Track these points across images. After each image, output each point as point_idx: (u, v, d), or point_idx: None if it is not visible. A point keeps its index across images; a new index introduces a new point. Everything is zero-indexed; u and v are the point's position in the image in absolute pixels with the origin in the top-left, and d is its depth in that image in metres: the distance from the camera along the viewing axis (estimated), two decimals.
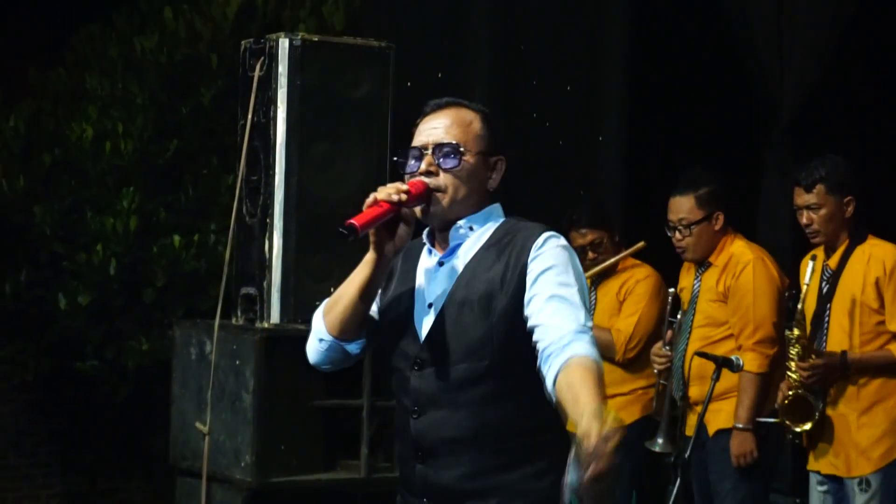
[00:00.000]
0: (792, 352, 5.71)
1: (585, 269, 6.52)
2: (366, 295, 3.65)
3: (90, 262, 7.55)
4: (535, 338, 3.47)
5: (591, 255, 6.63)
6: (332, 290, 6.50)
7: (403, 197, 3.55)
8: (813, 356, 5.64)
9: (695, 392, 5.97)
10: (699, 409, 5.74)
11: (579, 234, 6.65)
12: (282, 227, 6.46)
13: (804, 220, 5.72)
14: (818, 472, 5.79)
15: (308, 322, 6.18)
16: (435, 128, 3.63)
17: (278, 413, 6.44)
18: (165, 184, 7.80)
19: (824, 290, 5.75)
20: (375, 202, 3.55)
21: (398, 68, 6.65)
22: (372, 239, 3.59)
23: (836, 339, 5.68)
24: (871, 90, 7.76)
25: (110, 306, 7.69)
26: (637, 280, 6.67)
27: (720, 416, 6.00)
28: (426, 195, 3.59)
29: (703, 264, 6.11)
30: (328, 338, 3.71)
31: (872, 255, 5.65)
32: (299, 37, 6.48)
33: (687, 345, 6.06)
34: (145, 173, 7.71)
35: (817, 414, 5.66)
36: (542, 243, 3.56)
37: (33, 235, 7.73)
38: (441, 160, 3.59)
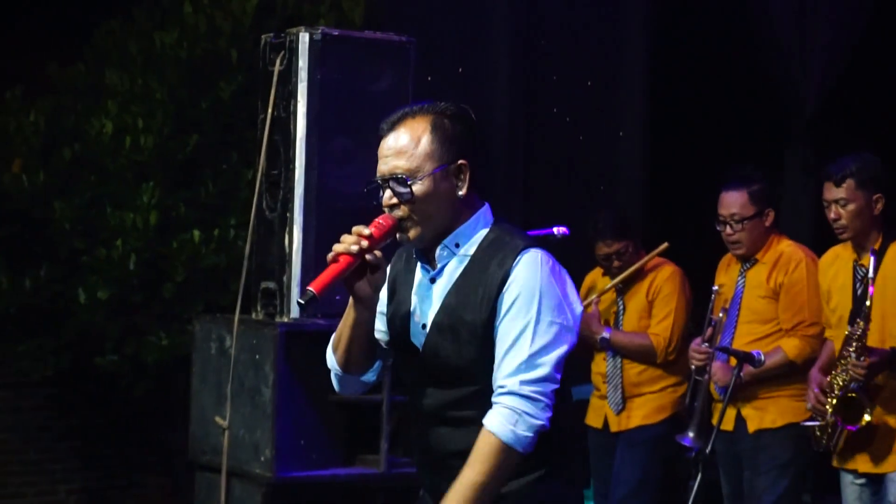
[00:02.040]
0: (850, 349, 5.62)
1: (612, 276, 6.56)
2: (359, 334, 3.68)
3: (110, 258, 7.54)
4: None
5: (616, 263, 6.62)
6: None
7: (365, 244, 3.54)
8: (865, 355, 5.57)
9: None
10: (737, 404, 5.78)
11: (605, 244, 6.62)
12: (301, 221, 6.45)
13: (832, 215, 5.66)
14: (853, 471, 5.70)
15: (327, 316, 6.25)
16: (386, 155, 3.60)
17: (298, 408, 6.43)
18: (185, 179, 7.79)
19: (859, 290, 5.68)
20: (335, 258, 3.56)
21: (418, 63, 6.64)
22: (346, 287, 3.61)
23: (875, 339, 5.61)
24: (893, 87, 7.70)
25: (130, 301, 7.69)
26: (663, 279, 6.64)
27: (764, 416, 6.01)
28: (395, 228, 3.60)
29: (748, 260, 6.14)
30: (341, 373, 3.77)
31: None
32: (319, 31, 6.46)
33: (732, 340, 6.05)
34: (165, 168, 7.70)
35: (869, 409, 5.57)
36: (515, 265, 3.58)
37: (53, 231, 7.73)
38: (397, 193, 3.58)
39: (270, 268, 6.58)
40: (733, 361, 5.85)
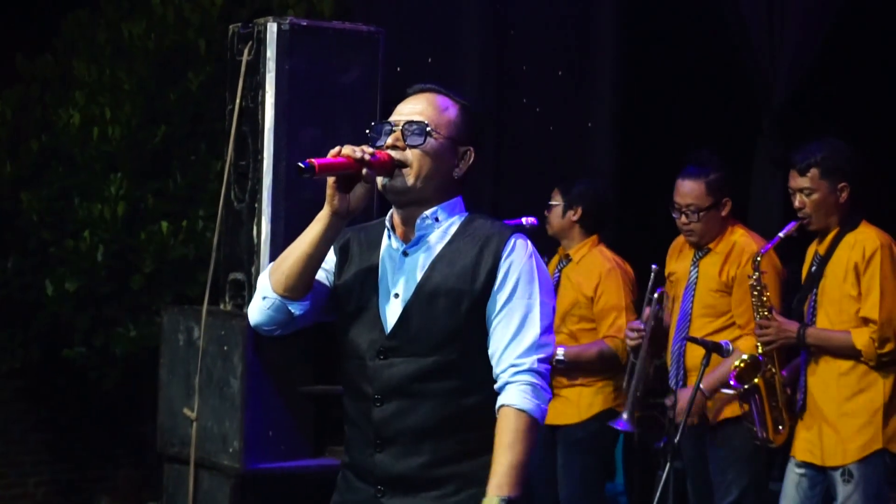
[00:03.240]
0: (756, 318, 5.71)
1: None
2: (315, 252, 3.66)
3: (78, 249, 7.52)
4: (490, 342, 3.66)
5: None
6: None
7: (367, 157, 3.59)
8: (769, 314, 5.63)
9: (693, 380, 5.92)
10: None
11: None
12: (270, 212, 6.42)
13: (797, 204, 5.65)
14: (795, 458, 5.75)
15: None
16: (411, 107, 3.72)
17: (266, 399, 6.41)
18: (153, 170, 7.76)
19: (813, 272, 5.71)
20: (339, 154, 3.62)
21: (388, 53, 6.62)
22: (329, 192, 3.65)
23: (820, 325, 5.64)
24: (862, 79, 7.73)
25: (98, 293, 7.66)
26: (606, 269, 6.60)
27: (724, 407, 5.98)
28: (390, 168, 3.64)
29: (701, 249, 6.09)
30: (272, 295, 3.71)
31: (857, 240, 5.58)
32: (288, 21, 6.44)
33: (687, 333, 6.03)
34: (133, 159, 7.67)
35: (759, 374, 5.64)
36: (511, 247, 3.69)
37: (21, 222, 7.71)
38: (408, 137, 3.66)
39: (239, 259, 6.56)
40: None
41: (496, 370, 3.65)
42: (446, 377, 3.63)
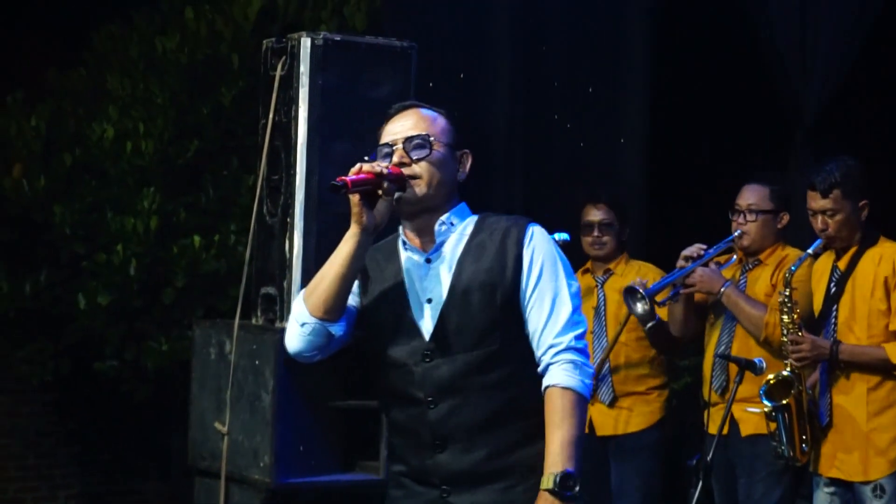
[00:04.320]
0: (784, 339, 5.72)
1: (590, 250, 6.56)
2: (349, 271, 3.78)
3: (110, 263, 7.54)
4: (527, 327, 3.82)
5: (596, 233, 6.61)
6: None
7: (385, 171, 3.75)
8: (801, 333, 5.64)
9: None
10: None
11: (595, 207, 6.64)
12: (302, 227, 6.42)
13: (819, 225, 5.70)
14: (822, 476, 5.73)
15: None
16: (401, 125, 3.88)
17: (297, 413, 6.40)
18: (185, 184, 7.79)
19: (832, 290, 5.72)
20: (360, 171, 3.77)
21: (420, 68, 6.63)
22: (355, 210, 3.75)
23: (846, 342, 5.64)
24: (893, 95, 7.71)
25: (130, 307, 7.68)
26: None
27: (758, 420, 5.97)
28: (403, 181, 3.79)
29: (752, 259, 6.14)
30: (311, 320, 3.81)
31: (884, 255, 5.62)
32: (321, 36, 6.44)
33: (731, 344, 6.04)
34: (165, 174, 7.70)
35: (792, 392, 5.64)
36: (531, 234, 3.85)
37: (53, 235, 7.72)
38: (412, 151, 3.82)
39: (270, 273, 6.56)
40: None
41: (537, 354, 3.80)
42: (491, 369, 3.77)
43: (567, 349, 3.78)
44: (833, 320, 5.68)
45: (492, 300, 3.77)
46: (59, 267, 7.79)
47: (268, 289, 6.58)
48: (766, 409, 5.73)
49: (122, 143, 7.63)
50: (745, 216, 6.10)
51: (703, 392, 6.19)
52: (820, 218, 5.68)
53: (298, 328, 3.84)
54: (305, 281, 6.40)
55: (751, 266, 6.15)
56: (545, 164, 7.55)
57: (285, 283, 6.46)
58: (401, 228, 3.92)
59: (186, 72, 7.74)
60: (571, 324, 3.81)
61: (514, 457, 3.78)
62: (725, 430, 5.90)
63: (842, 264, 5.71)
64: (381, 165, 3.76)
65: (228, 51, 7.75)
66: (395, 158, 3.80)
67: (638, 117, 7.89)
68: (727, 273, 6.18)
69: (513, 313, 3.79)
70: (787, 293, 5.71)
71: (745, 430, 6.01)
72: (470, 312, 3.77)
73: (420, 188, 3.79)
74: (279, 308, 6.50)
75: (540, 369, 3.80)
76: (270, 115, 6.53)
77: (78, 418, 8.59)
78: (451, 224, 3.84)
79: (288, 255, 6.44)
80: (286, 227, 6.46)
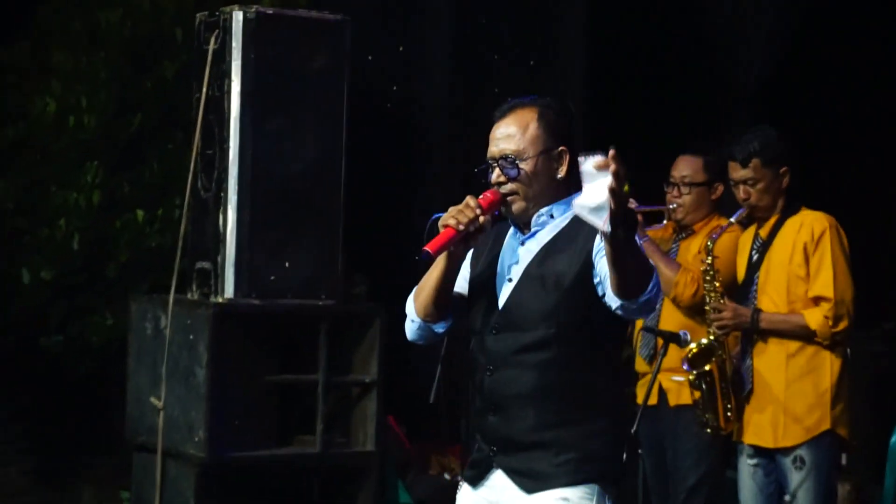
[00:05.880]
0: (707, 306, 5.75)
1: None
2: (443, 285, 4.11)
3: (53, 237, 7.51)
4: (596, 278, 3.95)
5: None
6: (286, 264, 6.54)
7: (477, 213, 3.98)
8: (723, 301, 5.65)
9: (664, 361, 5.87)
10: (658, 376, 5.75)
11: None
12: (236, 201, 6.44)
13: (741, 195, 5.76)
14: (744, 444, 5.76)
15: (261, 296, 6.28)
16: (498, 138, 4.10)
17: (232, 388, 6.41)
18: (129, 159, 7.74)
19: (754, 258, 5.76)
20: (447, 230, 4.02)
21: (358, 42, 6.61)
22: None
23: (764, 308, 5.66)
24: (833, 65, 7.70)
25: (73, 281, 7.65)
26: None
27: (683, 391, 5.97)
28: (501, 201, 4.06)
29: (685, 230, 6.14)
30: (417, 319, 4.21)
31: (804, 223, 5.66)
32: (253, 9, 6.44)
33: (659, 317, 6.03)
34: (109, 148, 7.65)
35: (714, 359, 5.66)
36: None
37: None
38: (505, 171, 4.06)
39: (205, 247, 6.56)
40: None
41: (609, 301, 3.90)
42: (544, 350, 3.99)
43: None
44: (754, 288, 5.72)
45: (559, 287, 3.99)
46: (1, 242, 7.75)
47: (203, 263, 6.59)
48: (689, 378, 5.74)
49: (65, 117, 7.58)
50: (678, 189, 6.10)
51: (634, 364, 6.19)
52: (742, 188, 5.74)
53: (410, 322, 4.23)
54: (239, 255, 6.42)
55: (684, 235, 6.16)
56: (486, 137, 7.52)
57: (219, 258, 6.46)
58: None
59: (129, 46, 7.70)
60: None
61: (555, 433, 3.98)
62: (655, 402, 5.92)
63: (763, 232, 5.77)
64: (471, 206, 3.97)
65: (171, 25, 7.70)
66: (494, 177, 4.06)
67: (578, 91, 7.89)
68: (655, 235, 6.18)
69: (578, 301, 3.97)
70: (710, 261, 5.74)
71: (672, 400, 6.01)
72: (536, 296, 4.01)
73: (517, 204, 4.06)
74: (214, 282, 6.50)
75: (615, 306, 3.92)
76: (204, 90, 6.53)
77: (26, 394, 8.55)
78: (551, 216, 4.09)
79: (222, 229, 6.45)
80: (220, 202, 6.47)
